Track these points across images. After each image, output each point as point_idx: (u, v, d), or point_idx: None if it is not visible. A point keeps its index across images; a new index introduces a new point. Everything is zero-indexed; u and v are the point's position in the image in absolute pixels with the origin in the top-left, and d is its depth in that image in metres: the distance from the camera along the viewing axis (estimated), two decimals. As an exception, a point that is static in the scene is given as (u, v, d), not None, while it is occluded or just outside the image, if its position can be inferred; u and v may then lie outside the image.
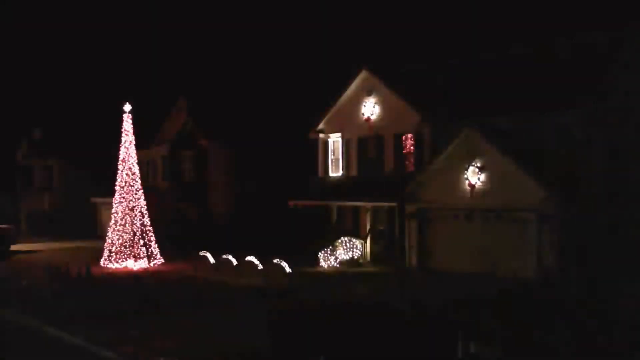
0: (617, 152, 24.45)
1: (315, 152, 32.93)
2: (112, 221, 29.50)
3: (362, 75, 30.52)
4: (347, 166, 31.53)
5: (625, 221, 23.29)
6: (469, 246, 24.53)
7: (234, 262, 27.20)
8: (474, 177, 24.45)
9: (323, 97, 34.01)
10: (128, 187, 29.51)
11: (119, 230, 29.05)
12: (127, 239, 28.84)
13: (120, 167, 29.87)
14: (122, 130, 30.01)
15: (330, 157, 32.46)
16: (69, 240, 43.10)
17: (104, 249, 29.36)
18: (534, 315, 16.55)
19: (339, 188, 30.63)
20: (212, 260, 28.07)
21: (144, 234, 29.36)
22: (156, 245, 29.73)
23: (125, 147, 29.88)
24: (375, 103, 30.05)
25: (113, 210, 29.78)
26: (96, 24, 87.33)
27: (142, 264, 28.58)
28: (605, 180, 23.81)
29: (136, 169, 30.04)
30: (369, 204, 28.75)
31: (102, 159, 47.30)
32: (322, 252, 27.30)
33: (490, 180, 24.05)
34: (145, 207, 29.99)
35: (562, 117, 23.96)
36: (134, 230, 29.01)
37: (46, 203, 51.46)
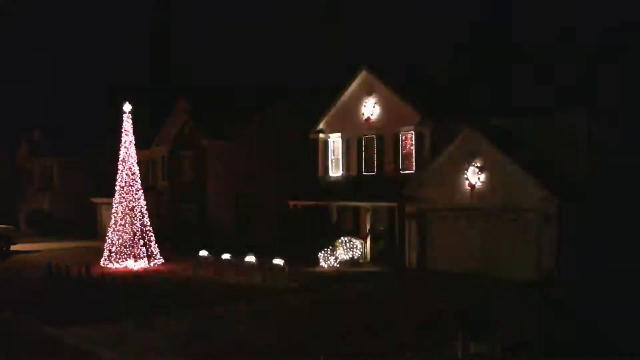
0: (619, 152, 24.44)
1: (316, 152, 32.92)
2: (112, 221, 29.49)
3: (362, 75, 30.51)
4: (347, 166, 31.52)
5: (626, 221, 23.27)
6: (469, 246, 24.53)
7: (234, 262, 27.15)
8: (474, 177, 24.45)
9: (323, 97, 34.01)
10: (128, 187, 29.49)
11: (119, 230, 29.04)
12: (127, 239, 28.83)
13: (120, 167, 29.85)
14: (122, 130, 30.00)
15: (330, 157, 32.45)
16: (69, 240, 43.11)
17: (104, 249, 29.35)
18: (534, 315, 16.55)
19: (339, 188, 30.62)
20: (212, 260, 28.02)
21: (144, 234, 29.36)
22: (156, 245, 29.73)
23: (125, 147, 29.87)
24: (375, 103, 30.04)
25: (113, 210, 29.77)
26: (97, 23, 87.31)
27: (142, 264, 28.57)
28: (606, 180, 23.80)
29: (136, 169, 30.02)
30: (369, 204, 28.75)
31: (102, 159, 47.38)
32: (322, 252, 27.29)
33: (490, 180, 24.04)
34: (145, 207, 29.99)
35: (563, 117, 23.97)
36: (134, 230, 29.00)
37: (46, 203, 51.45)
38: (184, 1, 79.32)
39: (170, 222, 38.58)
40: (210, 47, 73.38)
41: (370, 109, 30.16)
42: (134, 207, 29.28)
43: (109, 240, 29.29)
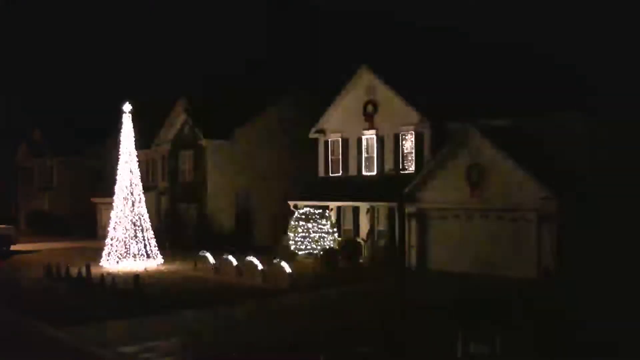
0: (619, 152, 24.43)
1: (315, 152, 32.92)
2: (112, 221, 29.50)
3: (362, 75, 30.51)
4: (347, 166, 31.51)
5: (626, 221, 23.26)
6: (469, 246, 24.52)
7: (234, 262, 27.15)
8: (474, 177, 24.43)
9: (323, 97, 33.98)
10: (128, 187, 29.48)
11: (118, 231, 29.04)
12: (127, 239, 28.84)
13: (120, 167, 29.86)
14: (122, 130, 30.00)
15: (330, 157, 32.44)
16: (69, 240, 43.10)
17: (104, 249, 29.36)
18: (533, 315, 16.54)
19: (339, 188, 30.61)
20: (211, 260, 28.01)
21: (144, 234, 29.36)
22: (156, 245, 29.73)
23: (125, 147, 29.87)
24: (375, 103, 30.03)
25: (113, 210, 29.77)
26: (96, 23, 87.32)
27: (141, 264, 28.57)
28: (606, 180, 23.79)
29: (136, 168, 30.03)
30: (368, 204, 28.74)
31: (102, 159, 47.39)
32: (322, 252, 27.27)
33: (490, 180, 24.03)
34: (145, 207, 29.99)
35: (563, 117, 23.97)
36: (134, 230, 29.00)
37: (46, 203, 51.45)
38: (184, 0, 79.28)
39: (170, 222, 38.57)
40: (210, 46, 73.33)
41: (370, 109, 30.15)
42: (133, 207, 29.28)
43: (108, 240, 29.29)
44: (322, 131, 32.47)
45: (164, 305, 18.95)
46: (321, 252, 27.59)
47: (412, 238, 26.60)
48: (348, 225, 29.98)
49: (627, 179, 24.27)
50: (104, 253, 29.11)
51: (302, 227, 28.59)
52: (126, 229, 28.99)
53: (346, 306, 18.87)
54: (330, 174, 32.32)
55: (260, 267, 25.11)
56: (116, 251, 28.74)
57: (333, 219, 30.04)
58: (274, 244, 30.28)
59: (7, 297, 21.10)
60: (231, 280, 23.75)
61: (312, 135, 32.83)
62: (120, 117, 30.21)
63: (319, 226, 28.47)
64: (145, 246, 29.12)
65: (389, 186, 27.90)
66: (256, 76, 45.43)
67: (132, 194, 29.44)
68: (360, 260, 28.12)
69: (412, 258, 26.49)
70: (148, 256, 29.08)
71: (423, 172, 26.55)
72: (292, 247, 28.86)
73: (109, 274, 25.47)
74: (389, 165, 29.52)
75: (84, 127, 51.09)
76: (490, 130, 24.70)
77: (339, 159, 31.96)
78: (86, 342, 14.88)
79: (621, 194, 23.95)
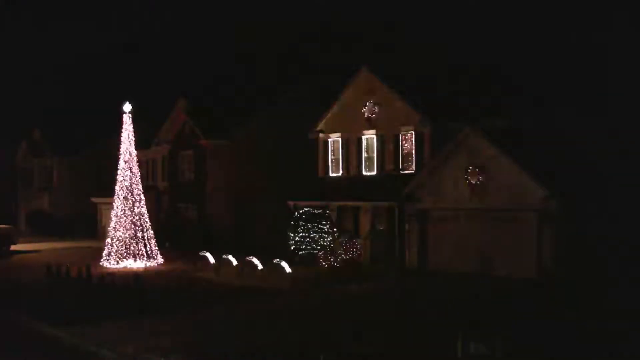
0: (619, 152, 24.45)
1: (315, 152, 32.92)
2: (112, 221, 29.51)
3: (362, 75, 30.51)
4: (347, 166, 31.51)
5: (626, 221, 23.27)
6: (469, 246, 24.51)
7: (234, 262, 27.17)
8: (474, 177, 24.43)
9: (323, 97, 33.98)
10: (128, 187, 29.51)
11: (119, 230, 29.06)
12: (127, 239, 28.85)
13: (120, 167, 29.88)
14: (122, 130, 30.03)
15: (330, 157, 32.43)
16: (69, 240, 43.13)
17: (104, 249, 29.37)
18: (533, 315, 16.56)
19: (339, 188, 30.62)
20: (212, 260, 28.03)
21: (144, 234, 29.38)
22: (156, 245, 29.74)
23: (125, 147, 29.89)
24: (375, 103, 30.03)
25: (113, 210, 29.79)
26: (96, 23, 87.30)
27: (142, 264, 28.59)
28: (606, 180, 23.81)
29: (136, 168, 30.05)
30: (369, 204, 28.73)
31: (102, 159, 47.42)
32: (322, 252, 27.28)
33: (490, 180, 24.03)
34: (145, 207, 30.02)
35: (562, 116, 23.99)
36: (134, 230, 29.02)
37: (46, 203, 51.47)
38: (182, 1, 79.26)
39: (170, 222, 38.59)
40: (210, 46, 73.26)
41: (370, 109, 30.15)
42: (134, 207, 29.29)
43: (109, 240, 29.31)
44: (322, 131, 32.47)
45: (164, 305, 18.96)
46: (322, 252, 27.57)
47: (412, 238, 26.60)
48: (348, 225, 29.96)
49: (627, 179, 24.28)
50: (104, 253, 29.14)
51: (302, 227, 28.57)
52: (126, 229, 29.01)
53: (346, 306, 18.86)
54: (330, 174, 32.31)
55: (260, 267, 25.15)
56: (116, 251, 28.76)
57: (333, 219, 30.02)
58: (273, 244, 30.24)
59: (7, 297, 21.11)
60: (231, 280, 23.75)
61: (312, 135, 32.83)
62: (121, 117, 30.23)
63: (319, 226, 28.45)
64: (145, 246, 29.13)
65: (389, 186, 27.91)
66: (256, 76, 45.44)
67: (132, 194, 29.46)
68: (360, 261, 28.10)
69: (412, 258, 26.49)
70: (148, 256, 29.10)
71: (423, 172, 26.54)
72: (292, 247, 28.86)
73: (109, 274, 25.49)
74: (389, 165, 29.52)
75: (84, 127, 51.10)
76: (490, 130, 24.70)
77: (339, 159, 31.96)
78: (86, 342, 14.89)
79: (621, 193, 23.96)
